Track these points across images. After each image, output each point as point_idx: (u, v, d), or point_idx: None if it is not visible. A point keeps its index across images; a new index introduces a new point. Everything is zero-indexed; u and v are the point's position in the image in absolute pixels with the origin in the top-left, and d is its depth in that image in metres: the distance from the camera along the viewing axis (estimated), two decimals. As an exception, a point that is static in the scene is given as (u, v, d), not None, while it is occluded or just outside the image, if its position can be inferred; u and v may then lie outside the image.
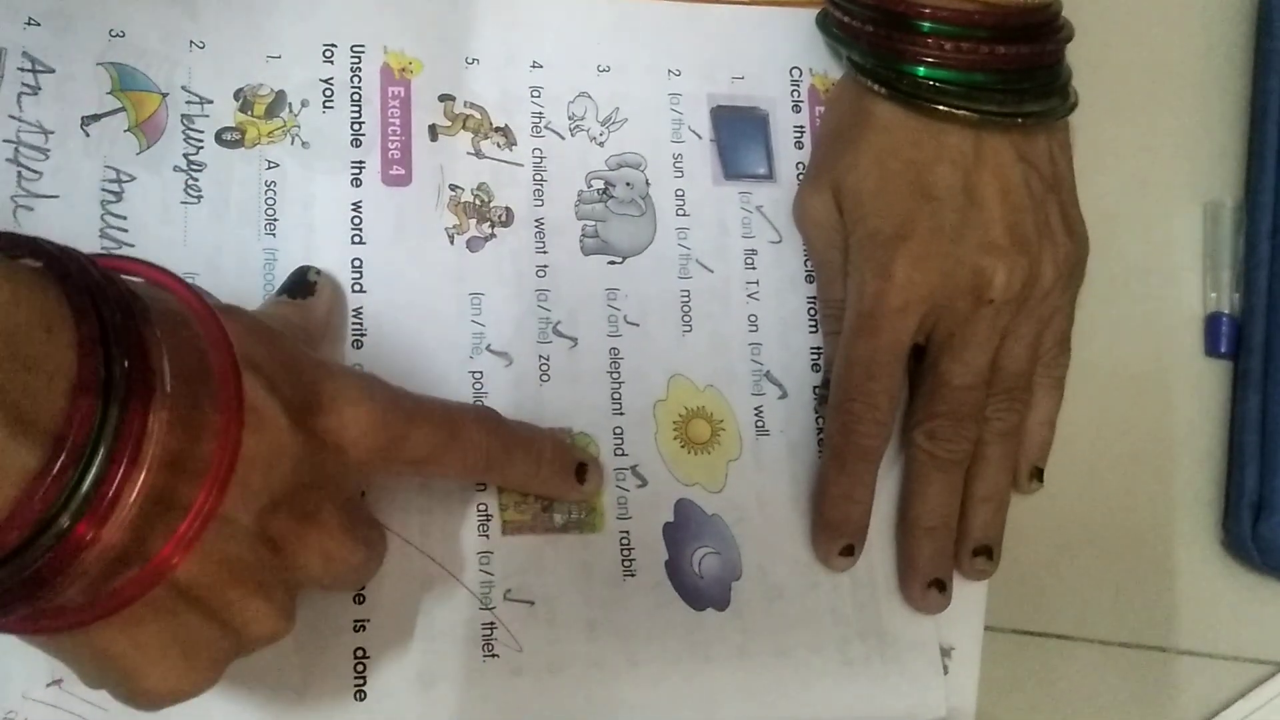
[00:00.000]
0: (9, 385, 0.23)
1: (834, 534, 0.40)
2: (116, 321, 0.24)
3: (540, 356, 0.40)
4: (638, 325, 0.41)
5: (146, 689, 0.27)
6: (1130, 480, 0.44)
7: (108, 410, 0.24)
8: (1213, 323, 0.46)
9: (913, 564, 0.40)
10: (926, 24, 0.39)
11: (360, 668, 0.36)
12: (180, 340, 0.26)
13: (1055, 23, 0.41)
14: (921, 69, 0.39)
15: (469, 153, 0.41)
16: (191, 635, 0.27)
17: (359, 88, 0.41)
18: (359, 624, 0.36)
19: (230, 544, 0.27)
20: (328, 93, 0.40)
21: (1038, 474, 0.42)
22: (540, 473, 0.37)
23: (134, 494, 0.24)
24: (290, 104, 0.40)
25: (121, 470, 0.24)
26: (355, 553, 0.30)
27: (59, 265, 0.25)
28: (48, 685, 0.34)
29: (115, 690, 0.27)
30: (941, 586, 0.40)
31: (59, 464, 0.23)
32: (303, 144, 0.40)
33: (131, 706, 0.27)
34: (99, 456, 0.23)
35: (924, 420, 0.40)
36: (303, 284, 0.37)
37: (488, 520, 0.38)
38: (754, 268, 0.42)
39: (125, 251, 0.38)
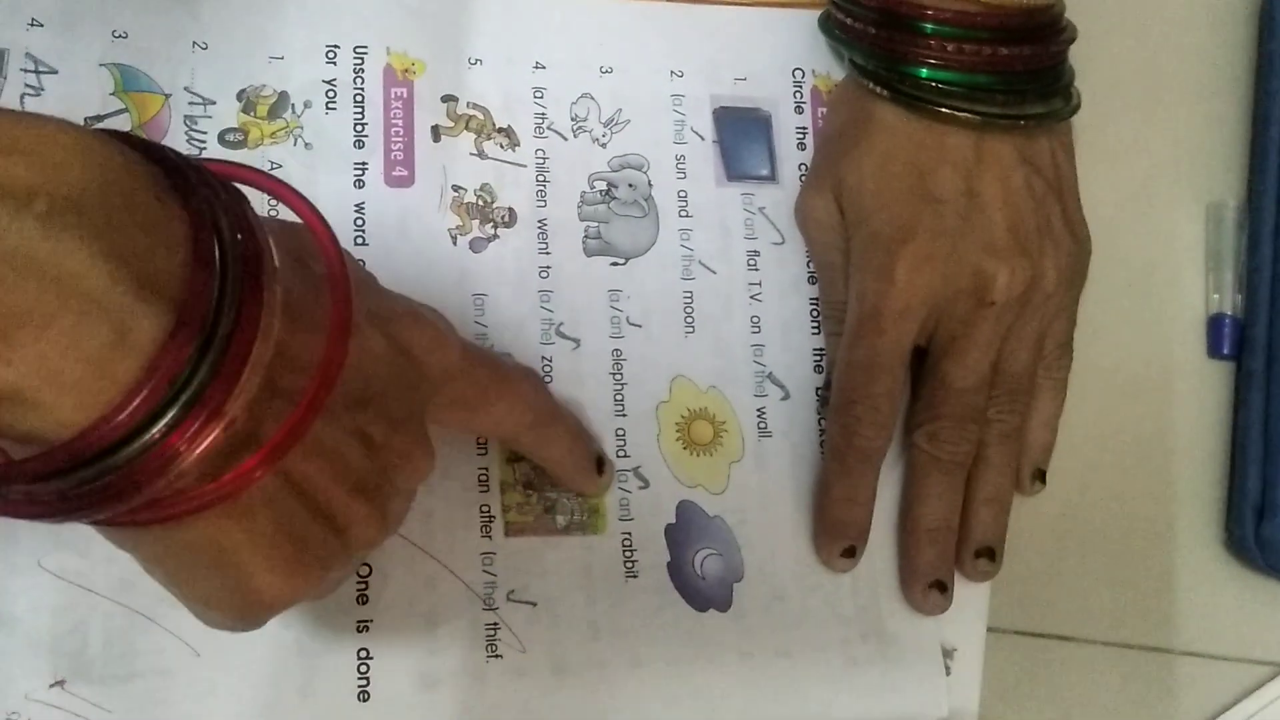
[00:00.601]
0: (133, 245, 0.22)
1: (835, 535, 0.40)
2: (223, 199, 0.24)
3: (543, 358, 0.40)
4: (640, 326, 0.41)
5: (256, 585, 0.26)
6: (1133, 481, 0.44)
7: (227, 282, 0.23)
8: (1215, 324, 0.46)
9: (914, 566, 0.40)
10: (929, 25, 0.39)
11: (364, 669, 0.36)
12: (294, 233, 0.27)
13: (1058, 24, 0.41)
14: (924, 71, 0.39)
15: (472, 154, 0.41)
16: (301, 531, 0.26)
17: (362, 89, 0.41)
18: (362, 625, 0.36)
19: (333, 439, 0.27)
20: (331, 94, 0.40)
21: (1040, 475, 0.42)
22: (573, 453, 0.38)
23: (259, 366, 0.23)
24: (293, 105, 0.40)
25: (244, 343, 0.23)
26: (431, 459, 0.30)
27: (156, 151, 0.24)
28: (50, 686, 0.35)
29: (220, 594, 0.26)
30: (943, 588, 0.40)
31: (182, 334, 0.22)
32: (305, 145, 0.40)
33: (230, 615, 0.27)
34: (223, 325, 0.23)
35: (926, 422, 0.40)
36: None
37: (490, 521, 0.38)
38: (756, 269, 0.42)
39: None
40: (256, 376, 0.23)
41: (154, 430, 0.22)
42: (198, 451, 0.23)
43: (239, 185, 0.26)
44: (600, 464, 0.39)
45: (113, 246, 0.22)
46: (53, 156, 0.22)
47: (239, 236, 0.24)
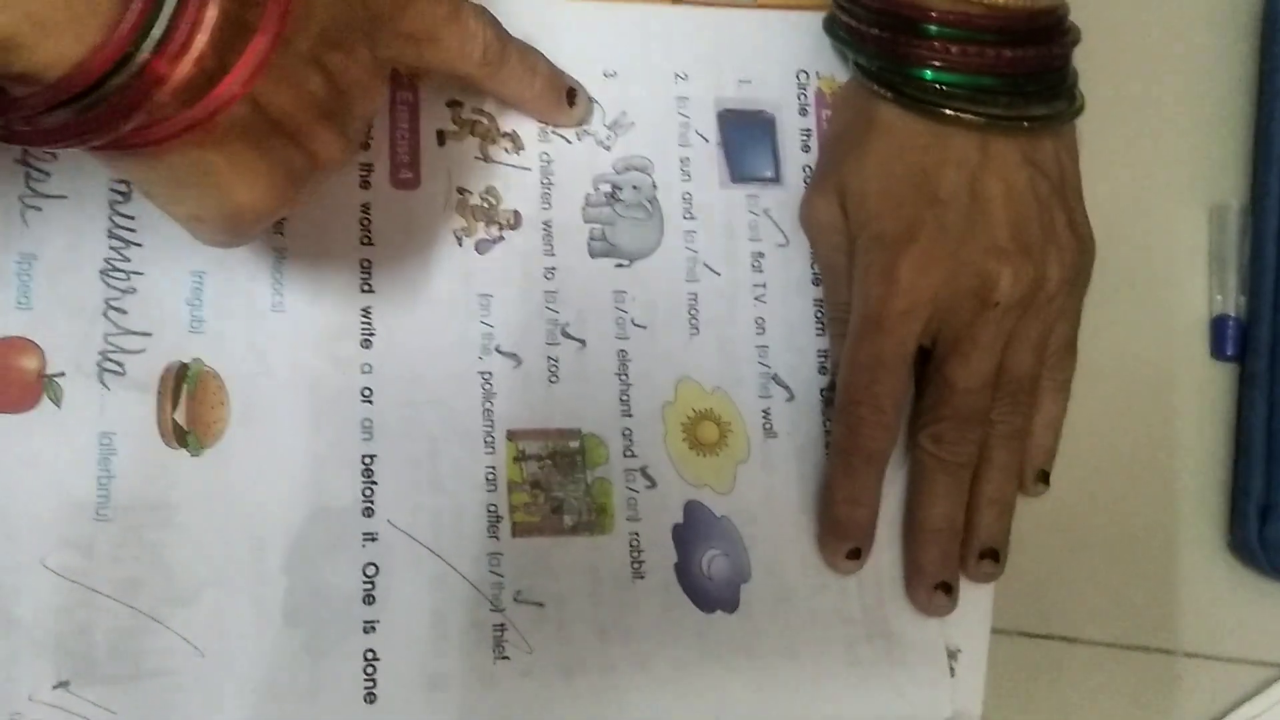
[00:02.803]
0: None
1: (840, 537, 0.40)
2: None
3: (549, 358, 0.40)
4: (645, 328, 0.41)
5: (238, 201, 0.30)
6: (1136, 483, 0.44)
7: None
8: (1219, 325, 0.46)
9: (919, 567, 0.40)
10: (933, 27, 0.39)
11: (370, 669, 0.36)
12: None
13: (1062, 26, 0.41)
14: (929, 72, 0.40)
15: (477, 157, 0.41)
16: (275, 153, 0.30)
17: (367, 90, 0.41)
18: (369, 625, 0.36)
19: (298, 71, 0.30)
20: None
21: (1043, 477, 0.42)
22: (535, 85, 0.40)
23: (214, 3, 0.26)
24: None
25: None
26: (381, 94, 0.34)
27: None
28: (54, 687, 0.34)
29: (211, 208, 0.30)
30: (948, 589, 0.40)
31: None
32: None
33: (220, 227, 0.31)
34: None
35: (930, 423, 0.40)
36: None
37: (498, 522, 0.38)
38: (761, 270, 0.43)
39: (134, 252, 0.38)
40: (211, 10, 0.26)
41: (138, 57, 0.26)
42: (176, 74, 0.26)
43: None
44: (573, 95, 0.41)
45: None
46: None
47: None
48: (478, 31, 0.37)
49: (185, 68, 0.26)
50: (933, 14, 0.39)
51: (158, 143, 0.28)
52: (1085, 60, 0.42)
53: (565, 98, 0.41)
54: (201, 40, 0.26)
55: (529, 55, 0.40)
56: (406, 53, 0.36)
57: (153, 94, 0.26)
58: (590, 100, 0.42)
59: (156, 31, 0.26)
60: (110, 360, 0.37)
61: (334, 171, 0.32)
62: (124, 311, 0.37)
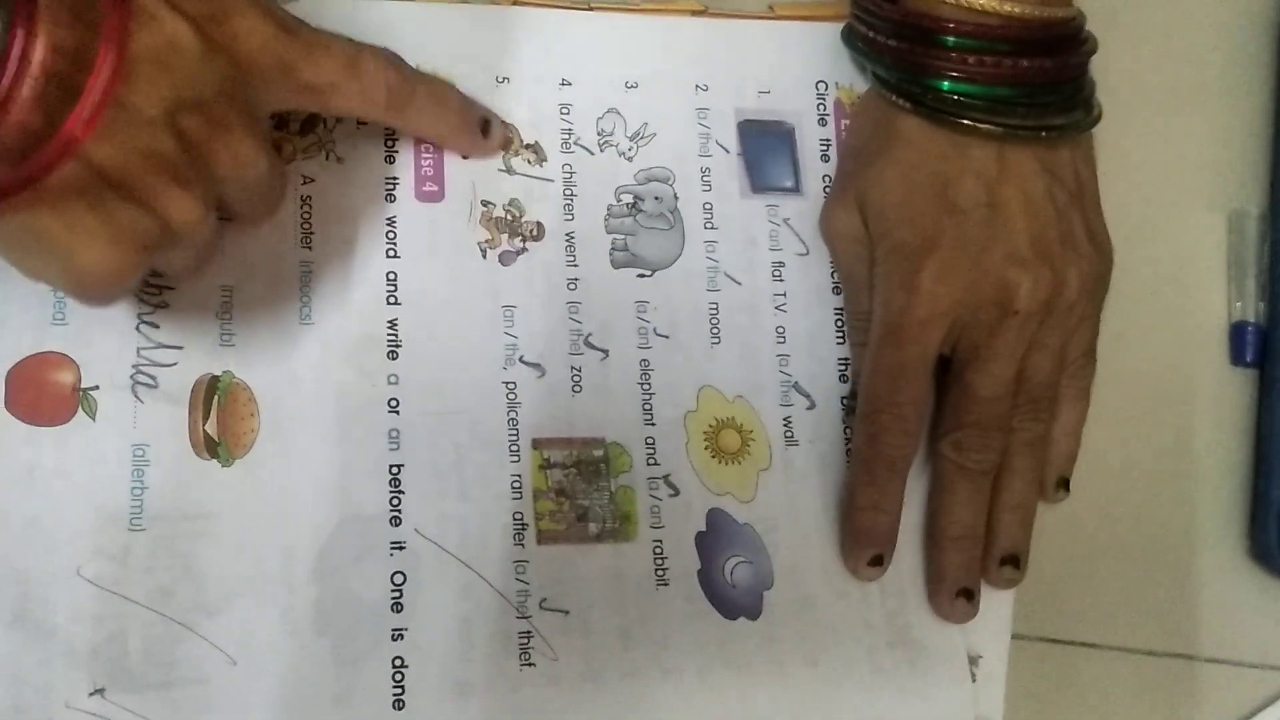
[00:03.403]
0: None
1: (863, 544, 0.40)
2: None
3: (572, 368, 0.40)
4: (667, 337, 0.41)
5: (81, 267, 0.29)
6: (1156, 489, 0.44)
7: None
8: (1238, 332, 0.46)
9: (941, 574, 0.40)
10: (951, 39, 0.40)
11: (398, 677, 0.36)
12: None
13: (1079, 36, 0.41)
14: (946, 83, 0.40)
15: (500, 169, 0.42)
16: (117, 216, 0.29)
17: (391, 105, 0.41)
18: (397, 633, 0.37)
19: (141, 133, 0.29)
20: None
21: (1064, 483, 0.42)
22: (447, 120, 0.39)
23: (31, 70, 0.26)
24: (325, 120, 0.41)
25: (19, 42, 0.26)
26: (261, 157, 0.32)
27: None
28: (89, 694, 0.35)
29: (56, 275, 0.29)
30: (969, 596, 0.40)
31: None
32: (338, 159, 0.40)
33: (74, 295, 0.30)
34: None
35: (951, 431, 0.40)
36: None
37: (523, 529, 0.39)
38: (781, 280, 0.43)
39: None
40: (30, 74, 0.26)
41: None
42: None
43: None
44: (487, 126, 0.40)
45: None
46: None
47: None
48: (379, 76, 0.36)
49: (13, 117, 0.26)
50: (950, 25, 0.40)
51: None
52: (1101, 67, 0.42)
53: (479, 129, 0.40)
54: (21, 102, 0.26)
55: (437, 89, 0.39)
56: (305, 103, 0.35)
57: None
58: (505, 127, 0.42)
59: None
60: (143, 374, 0.37)
61: (196, 235, 0.31)
62: (156, 326, 0.38)
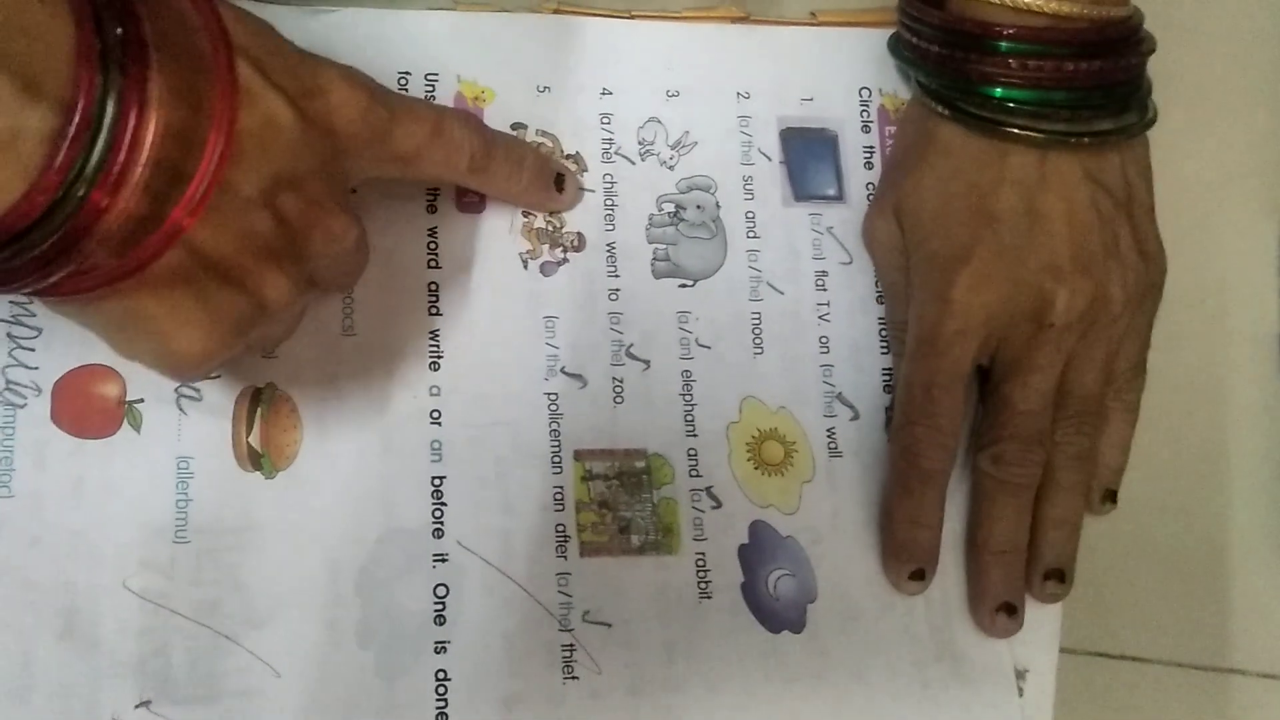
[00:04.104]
0: (14, 50, 0.24)
1: (903, 559, 0.40)
2: None
3: (614, 379, 0.40)
4: (709, 348, 0.41)
5: (175, 349, 0.29)
6: (1207, 500, 0.44)
7: (109, 76, 0.25)
8: (1289, 341, 0.45)
9: (982, 589, 0.40)
10: (1003, 44, 0.39)
11: (442, 690, 0.36)
12: (172, 15, 0.28)
13: (1135, 36, 0.40)
14: (999, 90, 0.39)
15: None
16: (215, 299, 0.29)
17: (433, 115, 0.41)
18: (440, 646, 0.37)
19: (241, 215, 0.29)
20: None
21: (1111, 496, 0.42)
22: (522, 180, 0.39)
23: (143, 154, 0.26)
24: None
25: (130, 133, 0.26)
26: (352, 231, 0.32)
27: None
28: (136, 707, 0.35)
29: (150, 355, 0.29)
30: (1011, 611, 0.39)
31: (74, 127, 0.25)
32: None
33: (165, 372, 0.30)
34: (107, 118, 0.25)
35: (990, 444, 0.40)
36: None
37: (566, 542, 0.38)
38: (825, 289, 0.42)
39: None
40: (140, 163, 0.26)
41: (66, 206, 0.25)
42: (104, 226, 0.26)
43: None
44: (561, 181, 0.40)
45: None
46: None
47: (119, 31, 0.25)
48: (464, 142, 0.36)
49: (113, 218, 0.26)
50: (1000, 29, 0.39)
51: (88, 291, 0.27)
52: (1157, 67, 0.41)
53: (554, 185, 0.40)
54: (130, 191, 0.26)
55: (514, 150, 0.39)
56: (389, 171, 0.35)
57: (80, 244, 0.26)
58: (580, 183, 0.41)
59: (84, 182, 0.25)
60: (187, 386, 0.38)
61: (289, 312, 0.31)
62: (200, 338, 0.38)
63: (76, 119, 0.25)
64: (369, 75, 0.34)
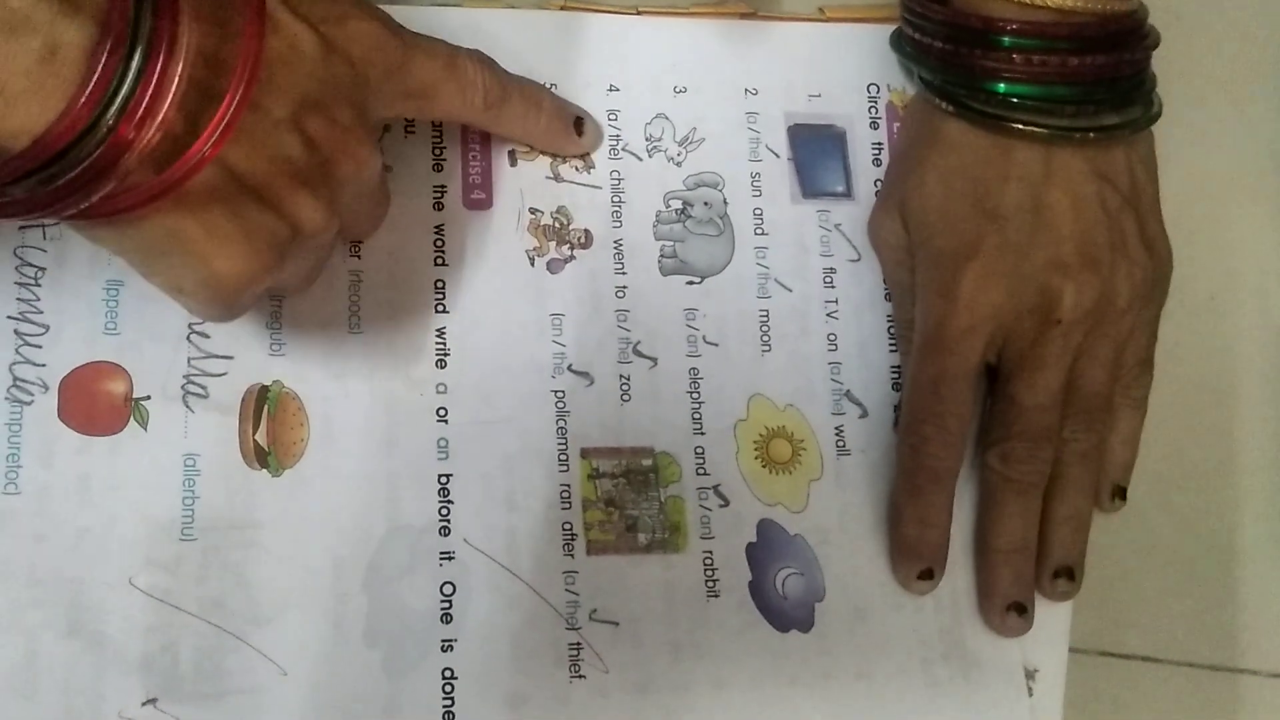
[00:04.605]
0: None
1: (911, 558, 0.39)
2: None
3: (621, 376, 0.40)
4: (717, 345, 0.41)
5: (216, 270, 0.29)
6: (1219, 498, 0.43)
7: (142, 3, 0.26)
8: (1299, 338, 0.45)
9: (991, 588, 0.40)
10: (1007, 39, 0.39)
11: (448, 688, 0.36)
12: None
13: (1139, 31, 0.40)
14: (1002, 85, 0.39)
15: (548, 177, 0.41)
16: (251, 219, 0.29)
17: (440, 111, 0.41)
18: (447, 644, 0.37)
19: (272, 136, 0.29)
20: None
21: (1120, 493, 0.41)
22: (540, 121, 0.40)
23: (178, 68, 0.26)
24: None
25: (165, 47, 0.26)
26: (377, 161, 0.33)
27: None
28: (142, 704, 0.35)
29: (191, 279, 0.29)
30: (1021, 610, 0.39)
31: (112, 39, 0.25)
32: (386, 167, 0.40)
33: (206, 301, 0.30)
34: (144, 30, 0.26)
35: (998, 442, 0.39)
36: None
37: (573, 539, 0.38)
38: (833, 286, 0.42)
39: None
40: (176, 77, 0.26)
41: (104, 123, 0.25)
42: (143, 139, 0.26)
43: None
44: (580, 124, 0.41)
45: None
46: None
47: None
48: (477, 78, 0.37)
49: (152, 133, 0.26)
50: (1003, 24, 0.39)
51: (127, 210, 0.27)
52: (1158, 58, 0.41)
53: (573, 128, 0.41)
54: (167, 105, 0.26)
55: (531, 91, 0.40)
56: (406, 109, 0.36)
57: (120, 161, 0.26)
58: (599, 127, 0.42)
59: (121, 97, 0.25)
60: (194, 383, 0.38)
61: (320, 239, 0.32)
62: (206, 336, 0.38)
63: (114, 32, 0.25)
64: (387, 12, 0.34)
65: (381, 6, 0.40)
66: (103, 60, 0.25)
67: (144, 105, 0.26)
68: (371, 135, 0.33)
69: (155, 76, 0.26)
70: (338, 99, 0.31)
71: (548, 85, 0.42)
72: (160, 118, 0.26)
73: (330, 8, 0.32)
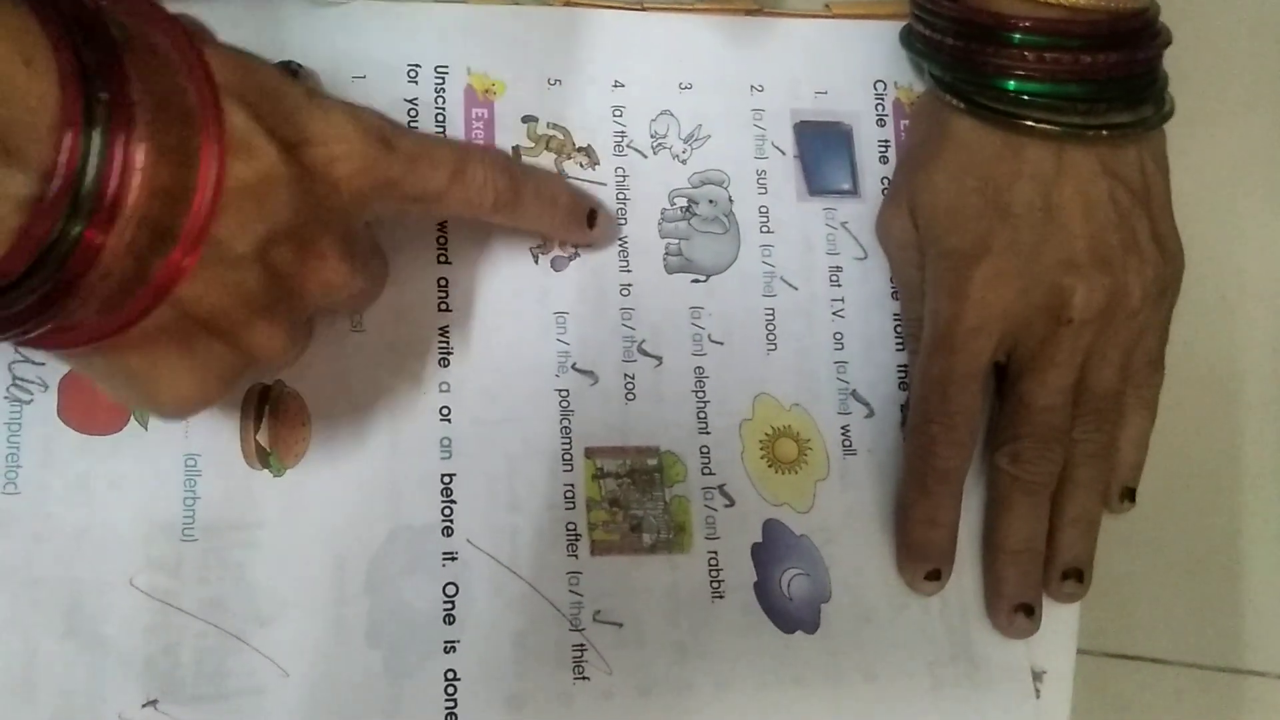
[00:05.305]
0: None
1: (918, 558, 0.39)
2: (94, 55, 0.25)
3: (625, 375, 0.40)
4: (722, 344, 0.41)
5: (162, 400, 0.29)
6: (1230, 500, 0.43)
7: (91, 143, 0.24)
8: (1310, 338, 0.44)
9: (998, 589, 0.39)
10: (1016, 35, 0.38)
11: (451, 690, 0.36)
12: (163, 68, 0.27)
13: (1151, 28, 0.40)
14: (1012, 82, 0.39)
15: None
16: (201, 353, 0.29)
17: (443, 109, 0.41)
18: (449, 645, 0.36)
19: (231, 271, 0.28)
20: (412, 113, 0.40)
21: (1129, 494, 0.41)
22: (555, 217, 0.38)
23: (125, 217, 0.25)
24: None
25: (110, 197, 0.25)
26: (354, 282, 0.32)
27: None
28: (143, 706, 0.35)
29: (136, 403, 0.30)
30: (1029, 611, 0.39)
31: (53, 193, 0.24)
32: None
33: (158, 417, 0.30)
34: (86, 183, 0.24)
35: (1007, 442, 0.39)
36: None
37: (577, 540, 0.38)
38: (839, 284, 0.42)
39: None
40: (121, 229, 0.25)
41: (51, 260, 0.24)
42: (83, 291, 0.25)
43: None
44: (593, 217, 0.39)
45: None
46: None
47: (104, 95, 0.25)
48: (486, 184, 0.35)
49: (96, 280, 0.25)
50: (1014, 21, 0.38)
51: (70, 347, 0.27)
52: (1169, 56, 0.41)
53: (586, 221, 0.39)
54: (114, 255, 0.25)
55: (546, 186, 0.38)
56: (409, 210, 0.34)
57: (64, 303, 0.25)
58: (611, 218, 0.40)
59: (69, 240, 0.24)
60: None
61: (281, 362, 0.31)
62: (208, 333, 0.38)
63: (56, 186, 0.24)
64: (381, 114, 0.32)
65: (380, 1, 0.41)
66: (42, 214, 0.24)
67: (88, 254, 0.25)
68: (349, 253, 0.31)
69: (99, 229, 0.25)
70: (314, 227, 0.30)
71: (551, 82, 0.42)
72: (104, 269, 0.25)
73: (312, 124, 0.30)
